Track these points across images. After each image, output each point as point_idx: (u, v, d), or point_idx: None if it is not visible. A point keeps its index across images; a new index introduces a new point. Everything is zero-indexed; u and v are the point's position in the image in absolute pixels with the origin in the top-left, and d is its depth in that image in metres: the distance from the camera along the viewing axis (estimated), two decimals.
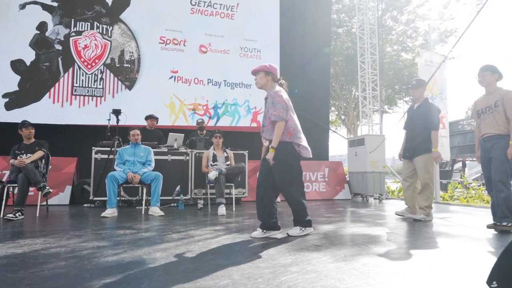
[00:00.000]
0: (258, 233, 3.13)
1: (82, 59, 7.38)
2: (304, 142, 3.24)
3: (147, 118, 6.46)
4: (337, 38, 16.47)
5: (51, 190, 4.44)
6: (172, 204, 5.80)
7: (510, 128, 3.50)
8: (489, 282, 1.32)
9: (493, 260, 1.33)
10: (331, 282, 1.82)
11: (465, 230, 3.61)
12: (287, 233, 3.19)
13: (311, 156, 3.31)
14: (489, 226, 3.60)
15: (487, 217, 4.66)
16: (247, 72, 8.49)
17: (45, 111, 7.10)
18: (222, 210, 4.76)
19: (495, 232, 3.44)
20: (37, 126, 4.95)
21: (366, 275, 1.94)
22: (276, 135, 3.11)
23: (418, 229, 3.63)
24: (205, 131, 6.87)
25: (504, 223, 3.45)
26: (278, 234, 3.17)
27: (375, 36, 10.01)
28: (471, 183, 9.43)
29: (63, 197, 6.00)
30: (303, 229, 3.21)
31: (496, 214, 3.55)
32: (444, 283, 1.83)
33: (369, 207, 6.03)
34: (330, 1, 10.80)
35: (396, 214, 4.68)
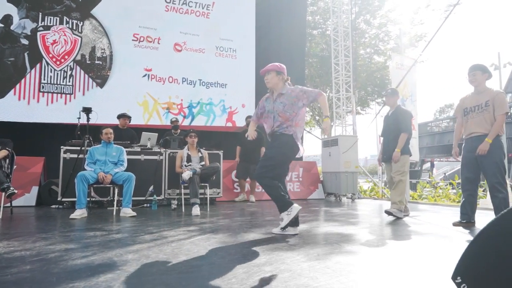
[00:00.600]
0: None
1: (51, 55, 7.11)
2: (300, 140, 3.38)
3: (119, 116, 6.31)
4: (312, 40, 16.68)
5: (15, 191, 4.24)
6: (145, 205, 5.68)
7: (493, 126, 3.59)
8: (454, 277, 1.37)
9: (458, 256, 1.38)
10: (304, 280, 1.83)
11: (433, 228, 3.74)
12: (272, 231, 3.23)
13: (301, 155, 3.43)
14: (455, 224, 3.76)
15: (454, 215, 4.85)
16: (222, 71, 8.46)
17: (10, 109, 6.77)
18: (196, 210, 4.71)
19: (462, 230, 3.59)
20: (0, 124, 4.72)
21: (339, 273, 1.97)
22: (325, 106, 3.33)
23: (389, 227, 3.73)
24: (179, 131, 6.78)
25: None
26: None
27: (348, 38, 10.21)
28: (438, 183, 9.79)
29: (29, 198, 5.75)
30: (289, 212, 3.15)
31: (468, 213, 3.74)
32: (412, 280, 1.88)
33: (342, 206, 6.15)
34: (305, 3, 10.92)
35: (385, 211, 4.76)
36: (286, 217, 3.15)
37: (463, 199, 3.84)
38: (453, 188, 9.04)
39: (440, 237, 3.18)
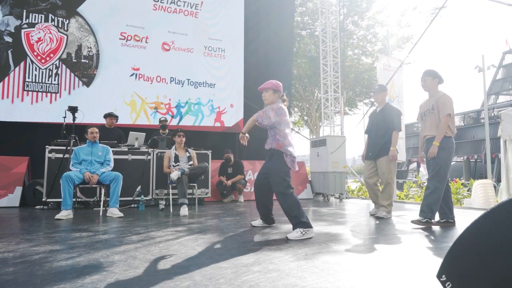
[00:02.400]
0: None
1: (35, 53, 6.96)
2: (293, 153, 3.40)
3: (106, 116, 6.23)
4: (300, 40, 16.77)
5: None
6: (132, 205, 5.62)
7: (438, 129, 3.72)
8: (439, 276, 1.39)
9: (443, 255, 1.41)
10: (292, 280, 1.84)
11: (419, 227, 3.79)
12: (286, 236, 3.04)
13: (296, 169, 3.51)
14: (434, 224, 3.79)
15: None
16: (211, 71, 8.43)
17: None
18: (184, 210, 4.68)
19: (448, 228, 3.65)
20: None
21: (326, 273, 1.98)
22: (248, 124, 3.46)
23: (376, 227, 3.77)
24: (167, 130, 6.73)
25: (420, 218, 3.71)
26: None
27: (337, 39, 10.29)
28: (424, 183, 9.95)
29: (12, 199, 5.63)
30: (303, 232, 3.06)
31: (446, 212, 3.82)
32: (398, 278, 1.91)
33: (330, 206, 6.19)
34: (294, 3, 10.96)
35: (370, 214, 4.78)
36: (299, 235, 3.02)
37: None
38: None
39: (426, 236, 3.24)
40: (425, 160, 3.99)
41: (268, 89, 3.46)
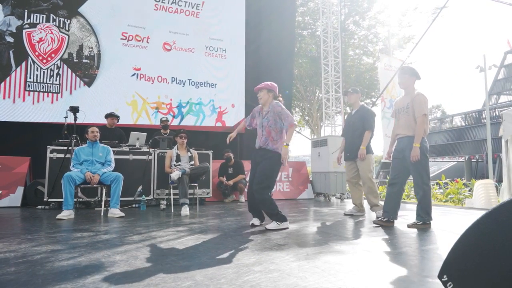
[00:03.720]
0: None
1: (37, 53, 6.98)
2: None
3: (107, 116, 6.23)
4: (301, 40, 16.77)
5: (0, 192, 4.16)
6: (134, 205, 5.63)
7: (415, 130, 3.65)
8: (440, 276, 1.39)
9: (444, 255, 1.40)
10: (293, 280, 1.84)
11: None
12: (265, 227, 3.51)
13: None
14: (409, 226, 3.73)
15: (441, 214, 4.94)
16: (212, 71, 8.43)
17: None
18: (185, 210, 4.69)
19: (448, 229, 3.65)
20: None
21: (327, 273, 1.98)
22: (290, 137, 3.67)
23: (377, 227, 3.77)
24: (168, 130, 6.73)
25: (416, 221, 3.67)
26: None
27: (338, 39, 10.29)
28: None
29: (14, 199, 5.64)
30: (279, 223, 3.51)
31: (390, 211, 3.79)
32: (399, 278, 1.91)
33: (331, 206, 6.18)
34: (295, 3, 10.96)
35: (344, 214, 4.86)
36: (275, 225, 3.51)
37: (386, 196, 3.88)
38: (440, 188, 9.18)
39: (427, 235, 3.23)
40: (394, 158, 3.90)
41: (262, 89, 3.71)
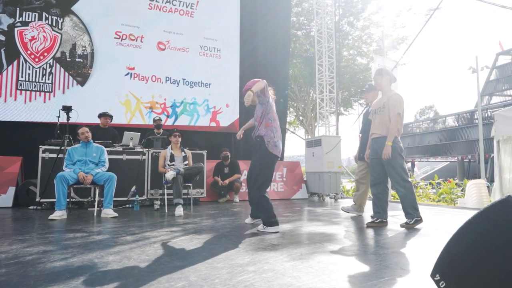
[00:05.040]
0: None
1: (29, 52, 6.90)
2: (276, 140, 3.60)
3: (100, 115, 6.18)
4: (296, 41, 16.79)
5: None
6: (127, 205, 5.59)
7: (389, 129, 3.69)
8: (432, 275, 1.40)
9: (437, 254, 1.41)
10: (287, 280, 1.84)
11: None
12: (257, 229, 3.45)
13: (278, 156, 3.62)
14: (368, 225, 3.79)
15: (433, 214, 4.97)
16: (206, 71, 8.41)
17: None
18: (179, 210, 4.67)
19: (441, 228, 3.68)
20: None
21: (321, 273, 1.99)
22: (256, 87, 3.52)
23: (371, 228, 3.78)
24: (162, 130, 6.71)
25: (408, 220, 3.69)
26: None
27: (332, 40, 10.32)
28: (419, 183, 10.00)
29: (5, 199, 5.57)
30: (265, 227, 3.42)
31: (380, 212, 3.82)
32: (393, 277, 1.92)
33: (325, 206, 6.20)
34: (290, 3, 10.97)
35: (342, 209, 4.87)
36: (261, 228, 3.44)
37: (373, 198, 3.92)
38: (433, 188, 9.25)
39: (420, 235, 3.25)
40: (371, 158, 3.96)
41: (246, 91, 3.48)
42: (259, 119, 3.63)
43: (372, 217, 4.01)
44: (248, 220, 3.93)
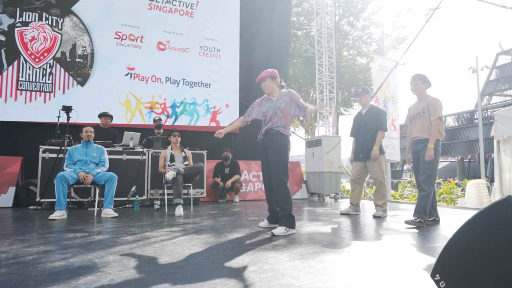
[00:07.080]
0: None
1: (29, 52, 6.91)
2: None
3: (100, 115, 6.19)
4: (296, 41, 16.79)
5: None
6: (127, 205, 5.59)
7: (430, 132, 3.81)
8: (432, 275, 1.40)
9: (437, 254, 1.41)
10: (287, 280, 1.84)
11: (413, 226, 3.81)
12: (272, 232, 3.21)
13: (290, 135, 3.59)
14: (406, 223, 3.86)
15: None
16: (206, 71, 8.41)
17: None
18: (179, 210, 4.67)
19: (441, 228, 3.68)
20: None
21: (321, 272, 1.99)
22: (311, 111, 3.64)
23: (370, 226, 3.79)
24: (162, 130, 6.71)
25: (413, 218, 3.76)
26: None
27: (332, 40, 10.32)
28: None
29: (5, 199, 5.57)
30: (287, 229, 3.24)
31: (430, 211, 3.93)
32: (393, 277, 1.92)
33: (325, 206, 6.20)
34: (290, 3, 10.97)
35: (341, 213, 4.89)
36: (283, 231, 3.20)
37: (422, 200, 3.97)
38: None
39: (420, 235, 3.25)
40: (412, 161, 4.08)
41: (266, 77, 3.53)
42: (285, 117, 3.46)
43: (374, 215, 4.04)
44: (264, 223, 3.67)
